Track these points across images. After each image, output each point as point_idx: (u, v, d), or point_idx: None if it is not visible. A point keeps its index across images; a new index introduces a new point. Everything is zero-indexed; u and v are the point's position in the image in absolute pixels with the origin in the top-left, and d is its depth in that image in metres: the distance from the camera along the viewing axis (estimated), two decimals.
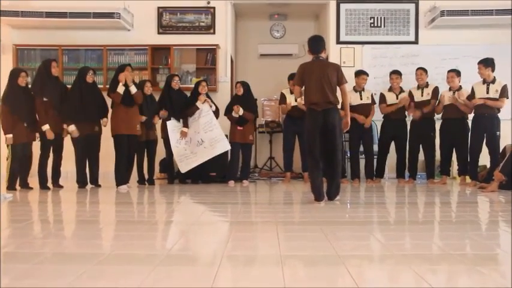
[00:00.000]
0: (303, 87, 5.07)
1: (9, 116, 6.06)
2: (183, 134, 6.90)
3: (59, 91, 6.35)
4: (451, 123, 7.03)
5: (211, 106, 6.99)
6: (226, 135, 7.08)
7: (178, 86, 7.12)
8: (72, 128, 6.27)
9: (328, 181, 5.01)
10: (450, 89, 7.11)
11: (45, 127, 6.15)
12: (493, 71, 6.70)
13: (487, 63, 6.70)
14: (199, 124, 6.91)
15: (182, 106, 6.97)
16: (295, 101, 6.54)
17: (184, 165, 6.94)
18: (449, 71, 7.13)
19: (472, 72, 7.06)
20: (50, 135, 6.18)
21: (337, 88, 5.04)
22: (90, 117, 6.37)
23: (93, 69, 6.65)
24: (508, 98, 6.68)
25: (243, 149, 7.13)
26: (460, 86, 7.06)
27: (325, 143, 4.88)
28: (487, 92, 6.70)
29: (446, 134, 7.10)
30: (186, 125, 6.94)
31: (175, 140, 6.93)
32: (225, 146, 6.95)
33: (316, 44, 5.04)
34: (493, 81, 6.70)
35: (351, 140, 7.43)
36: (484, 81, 6.76)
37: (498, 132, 6.72)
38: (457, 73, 7.05)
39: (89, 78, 6.41)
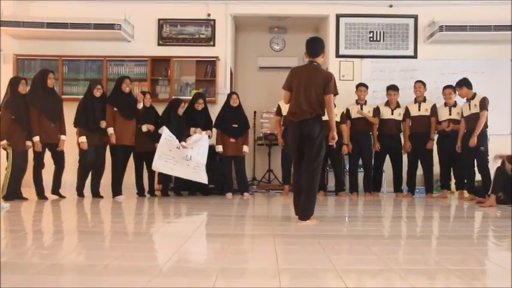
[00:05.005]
0: None
1: (8, 122, 6.06)
2: (184, 147, 6.66)
3: (52, 103, 6.40)
4: (449, 138, 7.03)
5: (210, 137, 6.96)
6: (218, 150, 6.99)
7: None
8: (82, 139, 6.35)
9: (300, 195, 4.55)
10: (446, 105, 7.16)
11: (36, 138, 6.20)
12: (469, 88, 6.77)
13: (459, 84, 6.85)
14: (197, 144, 6.75)
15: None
16: None
17: (160, 165, 6.59)
18: (445, 87, 7.17)
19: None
20: (38, 147, 6.22)
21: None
22: (99, 128, 6.50)
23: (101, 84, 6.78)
24: (487, 110, 6.61)
25: (236, 162, 6.98)
26: (455, 101, 7.14)
27: (302, 154, 4.50)
28: (469, 109, 6.75)
29: (445, 148, 7.11)
30: (183, 139, 6.73)
31: (164, 146, 6.69)
32: (203, 179, 6.75)
33: (314, 46, 4.56)
34: (473, 97, 6.74)
35: (350, 154, 7.44)
36: (467, 100, 6.82)
37: (482, 148, 6.65)
38: (454, 89, 7.05)
39: (96, 92, 6.54)
